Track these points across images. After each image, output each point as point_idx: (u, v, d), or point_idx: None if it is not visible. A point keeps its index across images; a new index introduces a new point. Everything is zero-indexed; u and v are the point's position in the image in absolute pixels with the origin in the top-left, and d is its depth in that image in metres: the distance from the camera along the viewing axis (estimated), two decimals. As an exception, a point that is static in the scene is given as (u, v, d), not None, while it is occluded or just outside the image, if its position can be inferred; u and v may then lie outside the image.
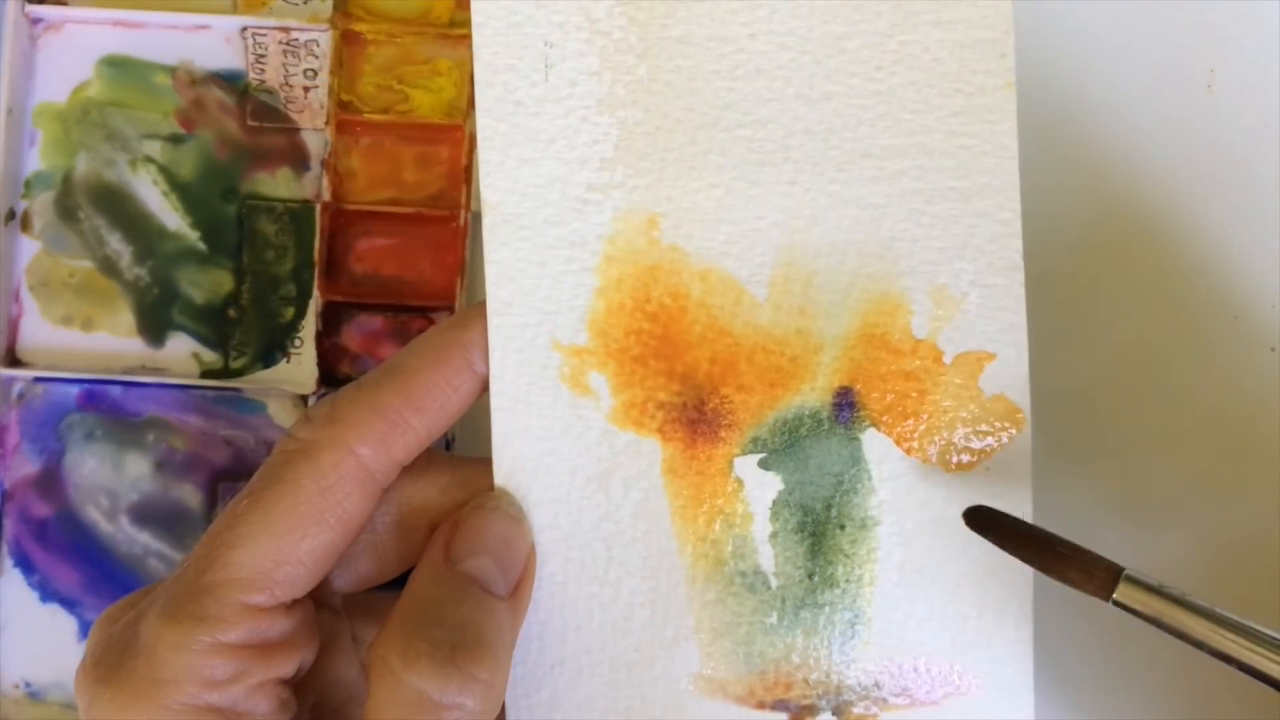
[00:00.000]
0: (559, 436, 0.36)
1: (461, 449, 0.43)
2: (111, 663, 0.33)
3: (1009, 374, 0.36)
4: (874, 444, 0.36)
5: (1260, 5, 0.43)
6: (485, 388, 0.36)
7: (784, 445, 0.36)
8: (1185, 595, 0.32)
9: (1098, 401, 0.42)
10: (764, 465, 0.36)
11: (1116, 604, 0.33)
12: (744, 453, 0.36)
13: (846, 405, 0.36)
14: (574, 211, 0.36)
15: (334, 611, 0.37)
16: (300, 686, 0.35)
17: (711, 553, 0.36)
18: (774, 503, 0.36)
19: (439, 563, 0.34)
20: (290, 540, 0.33)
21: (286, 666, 0.34)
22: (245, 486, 0.34)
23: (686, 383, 0.36)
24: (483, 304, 0.36)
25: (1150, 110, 0.43)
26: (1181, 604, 0.32)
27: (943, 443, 0.36)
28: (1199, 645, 0.32)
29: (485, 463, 0.36)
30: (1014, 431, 0.36)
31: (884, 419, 0.36)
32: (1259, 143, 0.42)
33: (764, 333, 0.36)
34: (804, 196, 0.36)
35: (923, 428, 0.36)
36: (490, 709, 0.32)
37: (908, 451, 0.36)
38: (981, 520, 0.35)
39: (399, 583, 0.36)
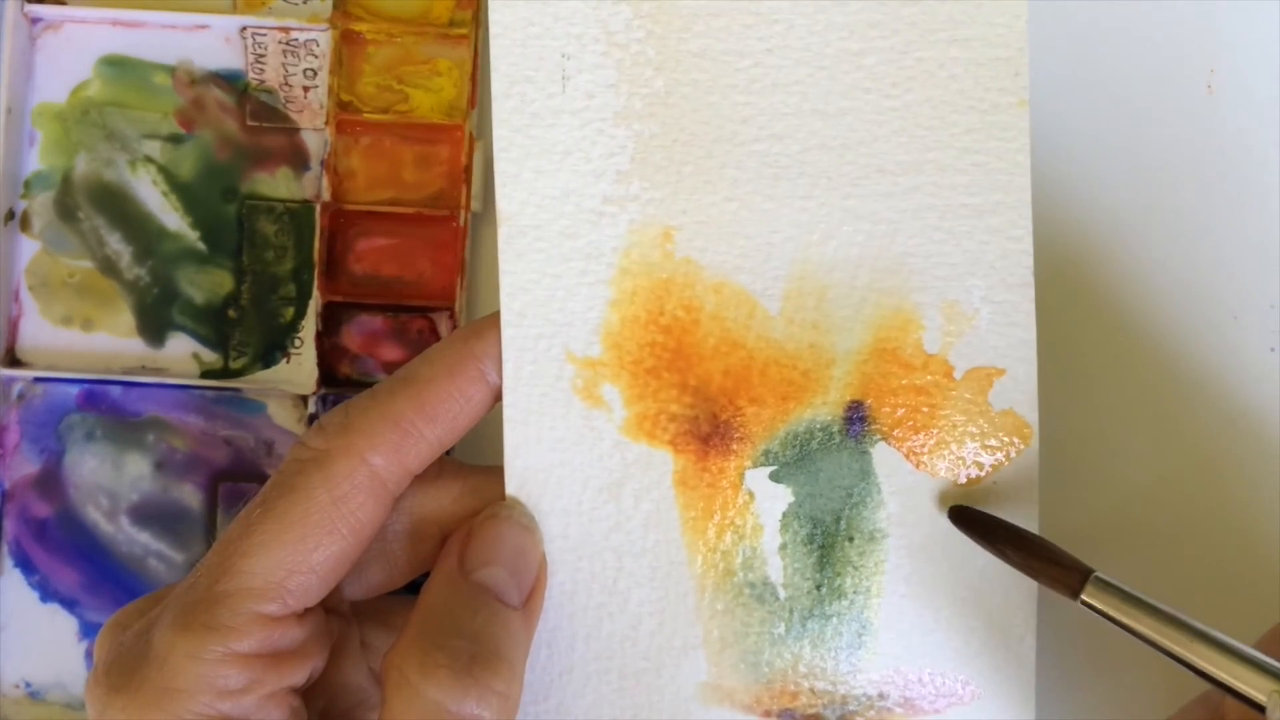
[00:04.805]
0: (571, 447, 0.36)
1: (460, 457, 0.43)
2: (124, 671, 0.33)
3: (1018, 389, 0.36)
4: (884, 458, 0.36)
5: (1260, 5, 0.43)
6: (498, 398, 0.36)
7: (795, 458, 0.36)
8: (1154, 601, 0.32)
9: (1098, 401, 0.42)
10: (775, 478, 0.36)
11: (1085, 604, 0.33)
12: (755, 465, 0.36)
13: (857, 419, 0.36)
14: (589, 224, 0.36)
15: (343, 617, 0.37)
16: (309, 692, 0.35)
17: (721, 564, 0.36)
18: (784, 515, 0.36)
19: (453, 572, 0.34)
20: (303, 549, 0.33)
21: (298, 675, 0.34)
22: (258, 494, 0.34)
23: (699, 395, 0.36)
24: (496, 314, 0.36)
25: (1150, 110, 0.43)
26: (1149, 609, 0.32)
27: (952, 457, 0.36)
28: (1165, 652, 0.32)
29: (497, 472, 0.36)
30: (1022, 446, 0.36)
31: (894, 433, 0.36)
32: (1259, 143, 0.43)
33: (777, 346, 0.36)
34: (818, 211, 0.36)
35: (932, 442, 0.36)
36: (505, 720, 0.33)
37: (917, 465, 0.36)
38: (965, 519, 0.36)
39: (407, 589, 0.36)
